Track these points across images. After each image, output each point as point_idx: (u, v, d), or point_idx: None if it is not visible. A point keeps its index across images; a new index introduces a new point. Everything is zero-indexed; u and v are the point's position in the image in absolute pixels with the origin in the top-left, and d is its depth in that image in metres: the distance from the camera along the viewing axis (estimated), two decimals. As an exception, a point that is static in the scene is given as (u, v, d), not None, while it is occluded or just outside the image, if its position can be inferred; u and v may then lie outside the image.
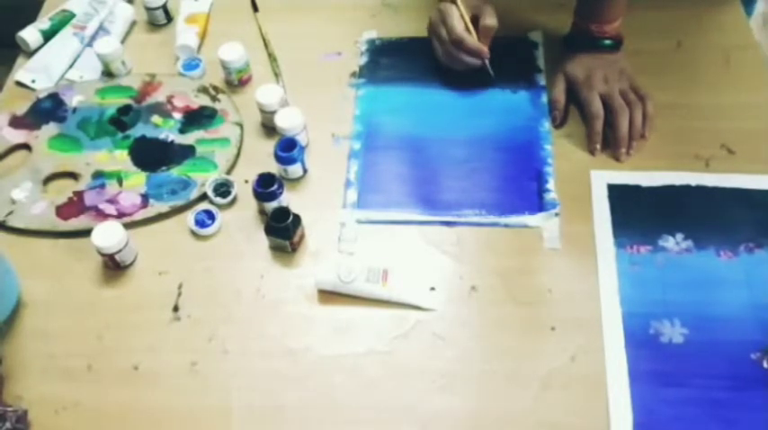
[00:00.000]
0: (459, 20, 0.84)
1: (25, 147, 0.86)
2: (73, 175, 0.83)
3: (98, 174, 0.82)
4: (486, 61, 0.85)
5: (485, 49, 0.84)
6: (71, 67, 0.94)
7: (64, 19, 0.97)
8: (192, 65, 0.92)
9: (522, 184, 0.79)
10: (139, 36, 0.98)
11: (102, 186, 0.81)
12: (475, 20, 0.85)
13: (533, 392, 0.65)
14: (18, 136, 0.86)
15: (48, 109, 0.88)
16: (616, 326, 0.68)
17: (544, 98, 0.86)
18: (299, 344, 0.69)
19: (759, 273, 0.71)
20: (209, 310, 0.72)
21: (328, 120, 0.86)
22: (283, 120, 0.80)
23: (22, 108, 0.88)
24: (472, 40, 0.84)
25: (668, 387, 0.65)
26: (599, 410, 0.64)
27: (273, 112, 0.82)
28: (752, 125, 0.82)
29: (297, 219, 0.74)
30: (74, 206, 0.79)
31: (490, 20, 0.84)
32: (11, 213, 0.79)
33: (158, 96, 0.89)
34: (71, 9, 0.98)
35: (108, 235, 0.73)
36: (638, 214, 0.76)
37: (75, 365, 0.69)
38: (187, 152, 0.84)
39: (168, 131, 0.86)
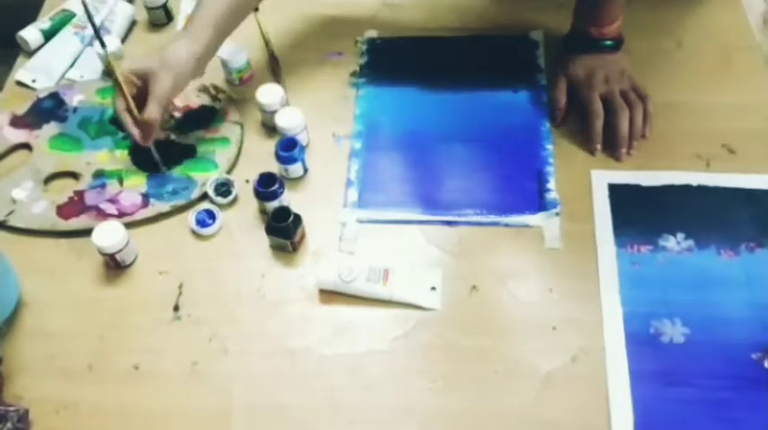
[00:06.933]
0: (121, 99, 0.75)
1: (26, 146, 0.86)
2: (73, 175, 0.83)
3: (99, 174, 0.82)
4: (153, 149, 0.78)
5: (136, 135, 0.75)
6: (72, 66, 0.94)
7: (64, 18, 0.97)
8: (192, 64, 0.92)
9: (522, 184, 0.79)
10: (140, 35, 0.98)
11: (103, 186, 0.81)
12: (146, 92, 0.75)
13: (533, 392, 0.65)
14: (19, 135, 0.86)
15: (48, 108, 0.88)
16: (617, 326, 0.68)
17: (545, 98, 0.86)
18: (299, 344, 0.69)
19: (760, 273, 0.71)
20: (210, 310, 0.72)
21: (329, 120, 0.86)
22: (284, 120, 0.80)
23: (22, 108, 0.88)
24: (128, 122, 0.75)
25: (669, 387, 0.65)
26: (599, 410, 0.64)
27: (274, 112, 0.82)
28: (752, 125, 0.82)
29: (297, 218, 0.74)
30: (74, 206, 0.79)
31: (148, 113, 0.73)
32: (11, 213, 0.79)
33: (159, 96, 0.89)
34: (71, 9, 0.98)
35: (109, 234, 0.73)
36: (639, 214, 0.76)
37: (76, 365, 0.69)
38: (188, 152, 0.83)
39: (168, 131, 0.85)
